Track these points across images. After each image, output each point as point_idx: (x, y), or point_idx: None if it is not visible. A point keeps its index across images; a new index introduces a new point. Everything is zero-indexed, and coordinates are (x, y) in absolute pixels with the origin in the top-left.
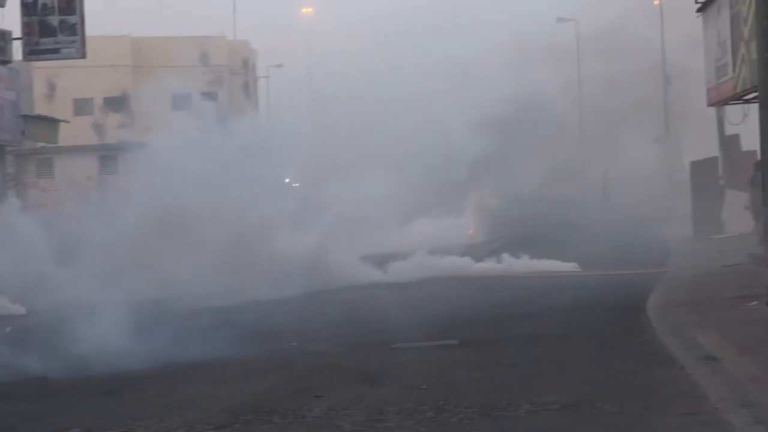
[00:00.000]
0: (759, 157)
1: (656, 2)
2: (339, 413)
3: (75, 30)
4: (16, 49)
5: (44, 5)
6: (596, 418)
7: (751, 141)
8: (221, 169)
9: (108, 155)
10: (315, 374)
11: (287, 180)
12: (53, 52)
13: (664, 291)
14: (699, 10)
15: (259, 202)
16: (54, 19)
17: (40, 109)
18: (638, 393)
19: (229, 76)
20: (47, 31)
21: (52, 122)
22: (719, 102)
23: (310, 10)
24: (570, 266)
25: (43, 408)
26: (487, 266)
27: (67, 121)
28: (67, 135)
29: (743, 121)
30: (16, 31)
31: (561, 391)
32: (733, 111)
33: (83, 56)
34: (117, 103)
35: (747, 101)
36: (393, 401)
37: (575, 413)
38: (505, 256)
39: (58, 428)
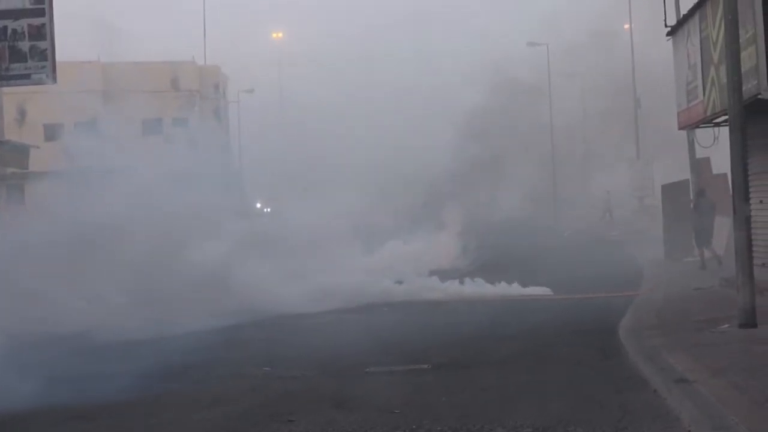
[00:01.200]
0: (730, 180)
1: (626, 26)
2: None
3: (45, 56)
4: None
5: (14, 31)
6: None
7: (721, 164)
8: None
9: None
10: (288, 399)
11: (258, 205)
12: (24, 78)
13: (636, 314)
14: (669, 34)
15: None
16: (24, 45)
17: (11, 134)
18: (612, 416)
19: (200, 101)
20: (17, 56)
21: (23, 148)
22: (690, 125)
23: (280, 34)
24: (542, 290)
25: None
26: (458, 289)
27: (37, 147)
28: (37, 160)
29: (714, 144)
30: None
31: (534, 415)
32: (703, 134)
33: (54, 81)
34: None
35: (717, 124)
36: (366, 425)
37: None
38: (476, 280)
39: None
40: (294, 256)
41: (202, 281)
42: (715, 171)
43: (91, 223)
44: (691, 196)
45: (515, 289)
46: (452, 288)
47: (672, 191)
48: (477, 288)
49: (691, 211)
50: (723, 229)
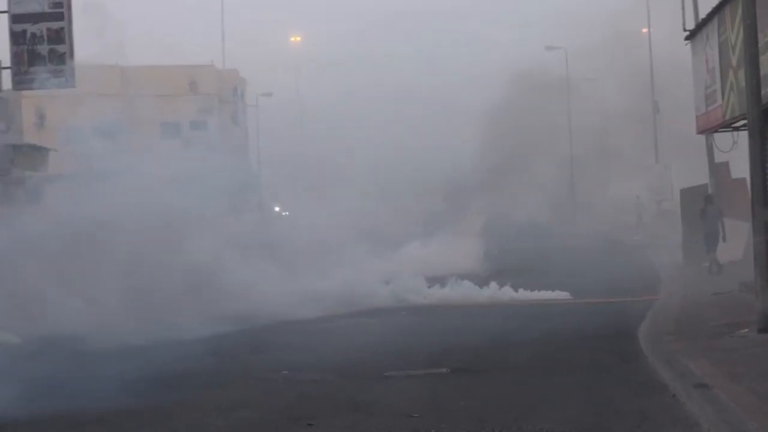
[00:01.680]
0: (748, 185)
1: (644, 30)
2: None
3: (64, 59)
4: (5, 79)
5: (33, 35)
6: None
7: (740, 168)
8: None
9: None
10: (307, 403)
11: (276, 208)
12: (43, 82)
13: (655, 318)
14: (687, 38)
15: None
16: (43, 49)
17: (30, 138)
18: (630, 421)
19: (218, 104)
20: (36, 60)
21: (42, 151)
22: (708, 129)
23: (298, 38)
24: (562, 295)
25: None
26: (477, 293)
27: (56, 150)
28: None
29: (733, 148)
30: (5, 60)
31: (553, 420)
32: (722, 138)
33: (73, 85)
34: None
35: (736, 129)
36: (385, 429)
37: None
38: (495, 284)
39: None
40: (305, 259)
41: (209, 284)
42: (734, 175)
43: (104, 223)
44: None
45: (534, 294)
46: (469, 292)
47: (691, 195)
48: (494, 292)
49: (698, 217)
50: (742, 233)
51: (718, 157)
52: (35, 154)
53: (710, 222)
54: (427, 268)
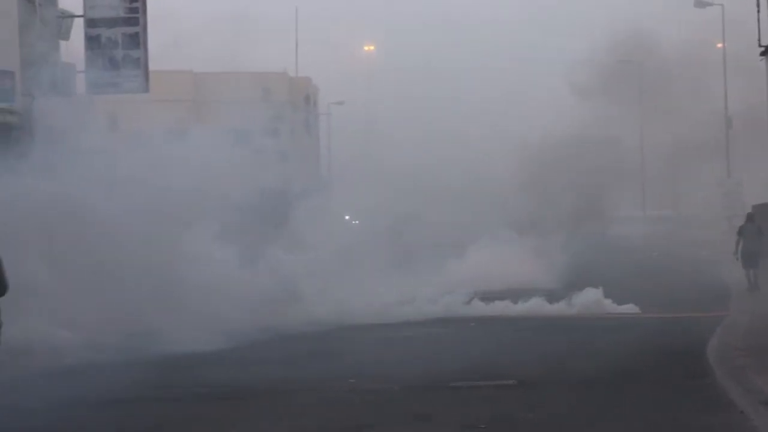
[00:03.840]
0: None
1: (719, 45)
2: None
3: (138, 64)
4: (80, 83)
5: (108, 39)
6: None
7: None
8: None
9: None
10: (372, 411)
11: (347, 216)
12: (116, 86)
13: (724, 334)
14: (763, 54)
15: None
16: (118, 53)
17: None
18: None
19: (290, 112)
20: (111, 64)
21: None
22: None
23: (372, 47)
24: (630, 307)
25: None
26: (543, 306)
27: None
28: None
29: None
30: (80, 64)
31: None
32: None
33: (146, 90)
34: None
35: None
36: None
37: None
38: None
39: None
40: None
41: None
42: None
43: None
44: None
45: (603, 307)
46: (534, 304)
47: (763, 211)
48: (563, 305)
49: (736, 235)
50: None
51: None
52: None
53: (747, 240)
54: (495, 279)
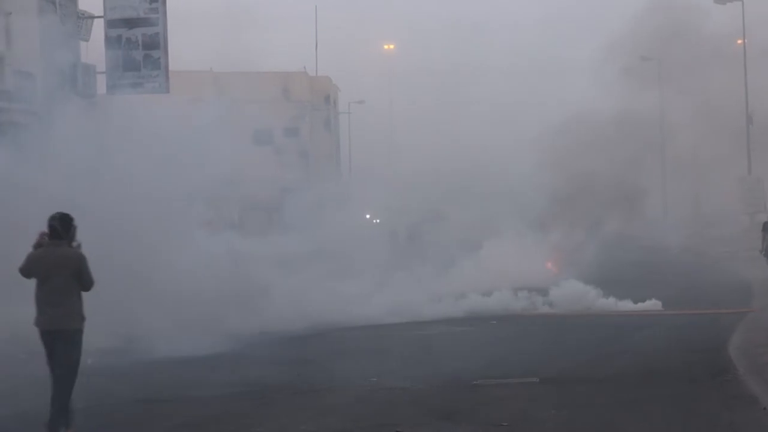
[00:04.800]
0: None
1: (739, 42)
2: None
3: (159, 64)
4: (100, 83)
5: (128, 40)
6: None
7: None
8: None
9: None
10: (395, 410)
11: (368, 216)
12: (137, 86)
13: (746, 331)
14: None
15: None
16: (138, 54)
17: None
18: None
19: (310, 111)
20: (131, 65)
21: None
22: None
23: (392, 46)
24: (653, 303)
25: None
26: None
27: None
28: None
29: None
30: (100, 65)
31: (643, 430)
32: None
33: (166, 91)
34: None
35: None
36: None
37: None
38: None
39: None
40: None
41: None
42: None
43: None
44: None
45: (626, 304)
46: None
47: None
48: (590, 302)
49: (762, 232)
50: None
51: None
52: None
53: None
54: (519, 277)
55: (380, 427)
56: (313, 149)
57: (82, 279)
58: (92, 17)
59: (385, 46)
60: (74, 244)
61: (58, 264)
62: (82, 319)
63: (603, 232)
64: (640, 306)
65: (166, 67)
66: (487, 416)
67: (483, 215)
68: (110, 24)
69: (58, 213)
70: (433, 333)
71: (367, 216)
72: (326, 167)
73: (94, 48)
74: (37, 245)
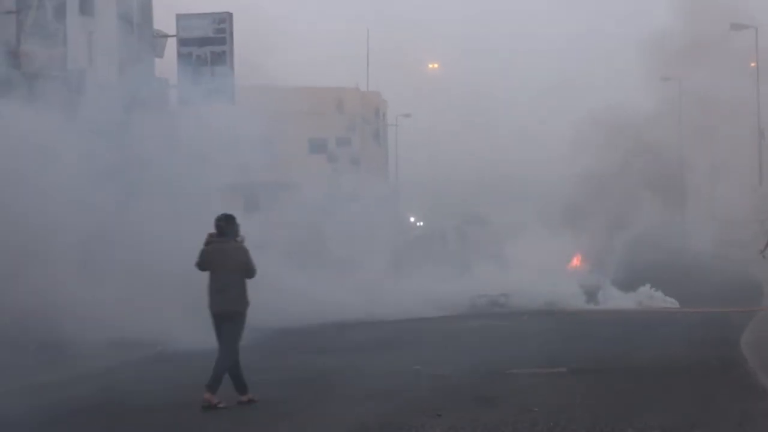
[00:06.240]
0: None
1: (753, 65)
2: (458, 431)
3: (226, 80)
4: (172, 96)
5: (198, 57)
6: None
7: None
8: None
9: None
10: (436, 396)
11: (412, 218)
12: (206, 99)
13: (758, 328)
14: None
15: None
16: (207, 70)
17: None
18: (733, 420)
19: (361, 124)
20: (200, 80)
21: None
22: None
23: (436, 65)
24: (670, 301)
25: None
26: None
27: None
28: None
29: None
30: (173, 79)
31: (661, 417)
32: None
33: (233, 103)
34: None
35: None
36: (508, 421)
37: None
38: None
39: None
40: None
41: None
42: None
43: None
44: None
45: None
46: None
47: None
48: (611, 300)
49: (765, 235)
50: None
51: None
52: None
53: None
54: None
55: (422, 411)
56: (363, 159)
57: (248, 269)
58: (166, 36)
59: (430, 65)
60: (239, 239)
61: (227, 257)
62: (247, 303)
63: (630, 234)
64: (659, 303)
65: (233, 82)
66: (519, 402)
67: (520, 217)
68: (182, 42)
69: (223, 214)
70: (469, 326)
71: (412, 219)
72: (376, 174)
73: (167, 64)
74: (207, 243)
